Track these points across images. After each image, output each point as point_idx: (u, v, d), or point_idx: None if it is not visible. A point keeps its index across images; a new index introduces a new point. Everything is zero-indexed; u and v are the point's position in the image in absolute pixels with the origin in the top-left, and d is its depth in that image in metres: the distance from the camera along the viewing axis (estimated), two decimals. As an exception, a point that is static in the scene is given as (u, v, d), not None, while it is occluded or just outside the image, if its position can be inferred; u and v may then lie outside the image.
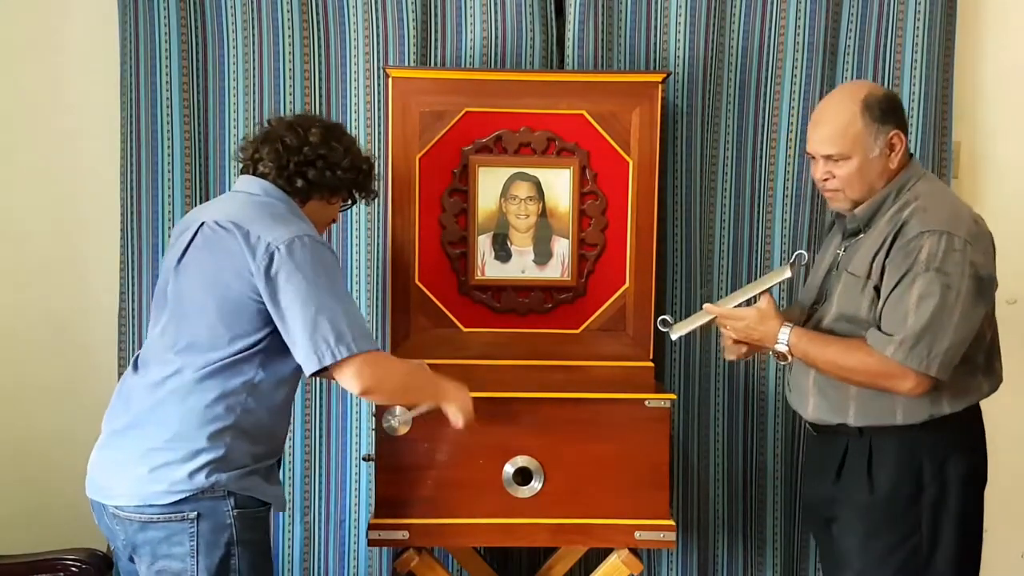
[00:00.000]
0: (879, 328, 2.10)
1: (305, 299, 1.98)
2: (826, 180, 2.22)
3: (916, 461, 2.15)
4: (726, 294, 2.91)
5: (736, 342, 2.32)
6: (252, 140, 2.23)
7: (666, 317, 2.39)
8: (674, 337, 2.36)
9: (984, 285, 2.10)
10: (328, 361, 1.99)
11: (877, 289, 2.13)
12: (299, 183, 2.15)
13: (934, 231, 2.07)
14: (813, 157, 2.24)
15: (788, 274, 2.30)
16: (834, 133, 2.17)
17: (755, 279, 2.93)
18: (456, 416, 2.26)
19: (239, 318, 2.02)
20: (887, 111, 2.17)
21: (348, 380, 2.04)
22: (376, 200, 2.52)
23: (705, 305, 2.32)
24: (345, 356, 1.99)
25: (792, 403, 2.36)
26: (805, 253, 2.36)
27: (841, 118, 2.17)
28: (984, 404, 2.25)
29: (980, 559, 2.24)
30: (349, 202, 2.32)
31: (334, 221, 2.35)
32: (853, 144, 2.16)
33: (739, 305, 2.28)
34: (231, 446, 2.02)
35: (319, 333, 1.98)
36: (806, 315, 2.31)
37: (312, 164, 2.15)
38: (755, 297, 2.27)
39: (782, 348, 2.18)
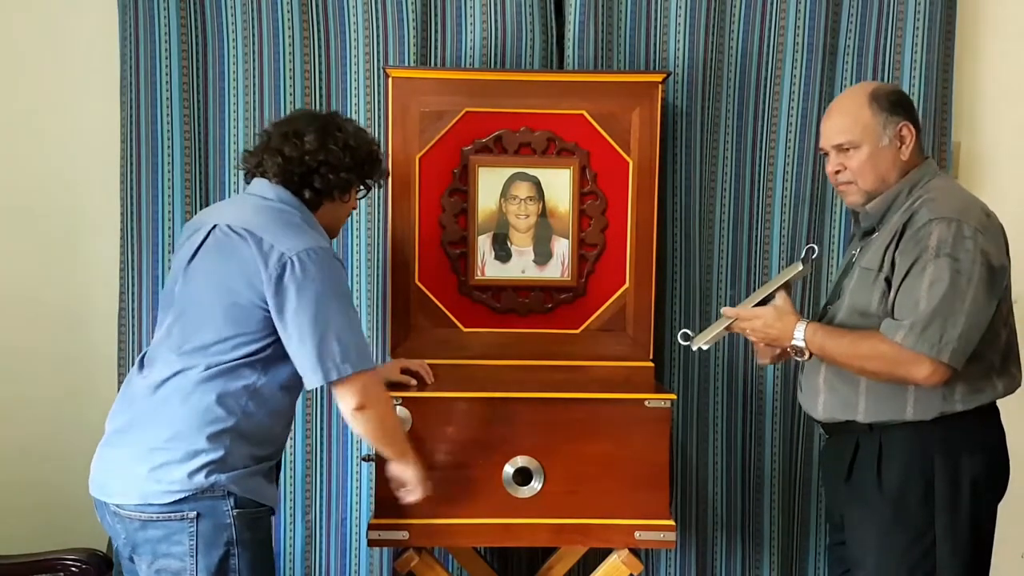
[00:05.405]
0: (893, 318, 2.09)
1: (315, 314, 1.99)
2: (838, 172, 2.24)
3: (927, 459, 2.12)
4: (725, 294, 2.93)
5: (768, 345, 2.32)
6: (252, 152, 2.21)
7: (687, 331, 2.35)
8: (695, 348, 2.31)
9: (996, 275, 2.07)
10: (333, 377, 2.01)
11: (888, 281, 2.12)
12: (307, 194, 2.15)
13: (943, 218, 2.07)
14: (826, 153, 2.27)
15: (801, 268, 2.31)
16: (843, 123, 2.21)
17: (755, 279, 2.94)
18: (415, 490, 2.29)
19: (245, 324, 2.03)
20: (895, 103, 2.21)
21: (346, 396, 2.06)
22: (384, 182, 2.46)
23: (723, 309, 2.31)
24: (349, 374, 2.02)
25: (803, 404, 2.35)
26: (816, 247, 2.38)
27: (850, 109, 2.22)
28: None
29: (988, 569, 2.22)
30: (364, 191, 2.30)
31: (354, 208, 2.33)
32: (863, 132, 2.19)
33: (757, 305, 2.27)
34: (231, 448, 2.03)
35: (326, 349, 2.00)
36: (820, 313, 2.31)
37: (315, 172, 2.14)
38: (773, 295, 2.26)
39: (799, 343, 2.17)
